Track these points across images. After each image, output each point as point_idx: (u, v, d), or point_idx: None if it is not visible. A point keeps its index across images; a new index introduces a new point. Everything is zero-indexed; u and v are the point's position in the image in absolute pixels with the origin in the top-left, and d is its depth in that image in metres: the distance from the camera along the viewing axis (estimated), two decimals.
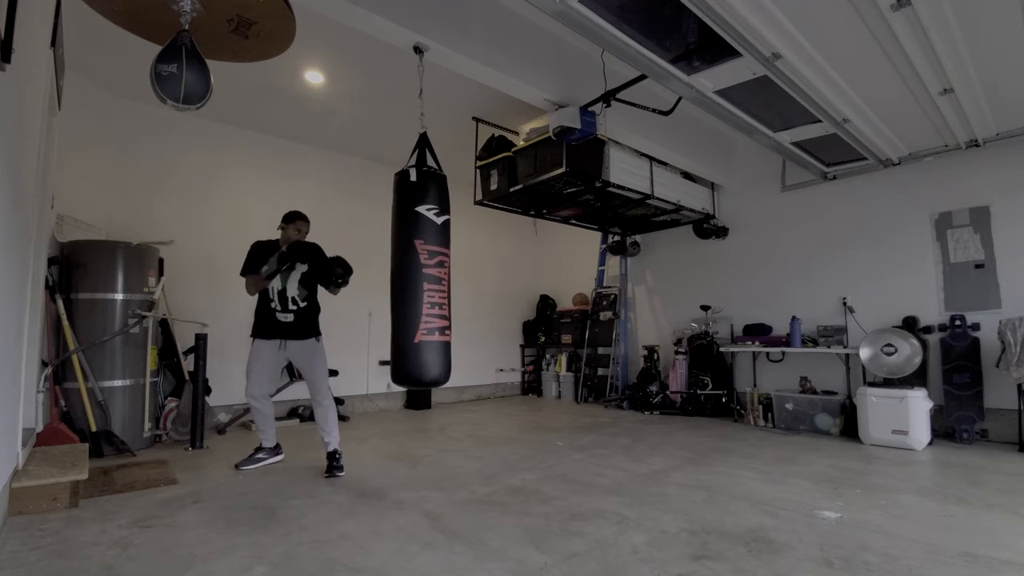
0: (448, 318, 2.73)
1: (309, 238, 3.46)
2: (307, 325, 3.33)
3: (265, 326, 3.28)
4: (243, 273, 3.30)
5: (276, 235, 3.41)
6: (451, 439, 4.26)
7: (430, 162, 2.88)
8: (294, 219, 3.36)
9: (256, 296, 3.33)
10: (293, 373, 4.90)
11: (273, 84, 4.33)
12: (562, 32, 3.72)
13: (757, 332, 5.29)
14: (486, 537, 2.15)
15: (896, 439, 3.82)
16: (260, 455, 3.36)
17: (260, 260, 3.28)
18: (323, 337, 3.39)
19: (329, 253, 3.42)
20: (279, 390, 5.02)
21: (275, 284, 3.28)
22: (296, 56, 3.77)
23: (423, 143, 2.92)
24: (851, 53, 2.90)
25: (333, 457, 3.19)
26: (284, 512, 2.46)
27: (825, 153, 4.54)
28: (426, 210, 2.72)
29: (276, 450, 3.44)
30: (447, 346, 2.71)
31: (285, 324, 3.27)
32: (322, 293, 3.43)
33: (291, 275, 3.32)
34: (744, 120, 3.75)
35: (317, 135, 5.43)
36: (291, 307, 3.28)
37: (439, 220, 2.75)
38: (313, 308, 3.38)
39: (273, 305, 3.28)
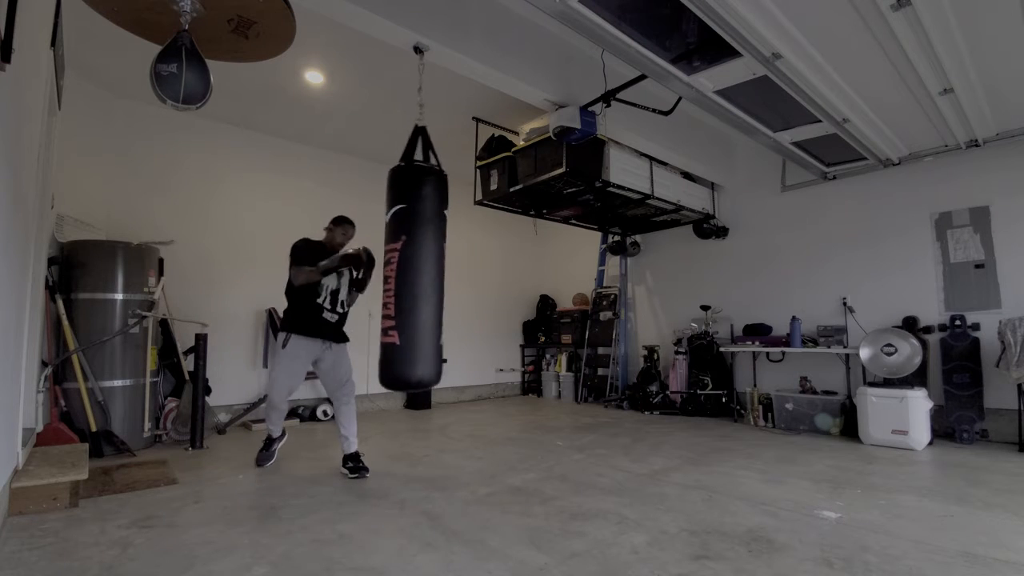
0: (392, 317, 2.63)
1: (308, 231, 3.49)
2: (343, 329, 3.38)
3: (311, 324, 3.21)
4: (297, 262, 3.17)
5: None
6: (451, 439, 4.26)
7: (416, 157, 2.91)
8: (342, 223, 3.39)
9: (298, 291, 3.23)
10: None
11: (273, 84, 4.33)
12: (562, 32, 3.72)
13: (757, 332, 5.29)
14: (486, 537, 2.15)
15: (896, 439, 3.81)
16: (275, 446, 3.42)
17: (313, 255, 3.20)
18: None
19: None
20: None
21: (330, 283, 3.26)
22: (296, 56, 3.77)
23: (424, 137, 2.95)
24: (851, 53, 2.90)
25: (358, 458, 3.18)
26: (284, 512, 2.46)
27: (825, 153, 4.54)
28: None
29: (283, 434, 3.51)
30: (387, 347, 2.63)
31: (330, 324, 3.27)
32: None
33: (343, 279, 3.34)
34: (744, 120, 3.75)
35: (317, 135, 5.43)
36: (339, 309, 3.31)
37: (387, 215, 2.76)
38: (347, 314, 3.42)
39: (320, 301, 3.23)
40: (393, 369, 2.59)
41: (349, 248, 3.35)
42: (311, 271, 3.13)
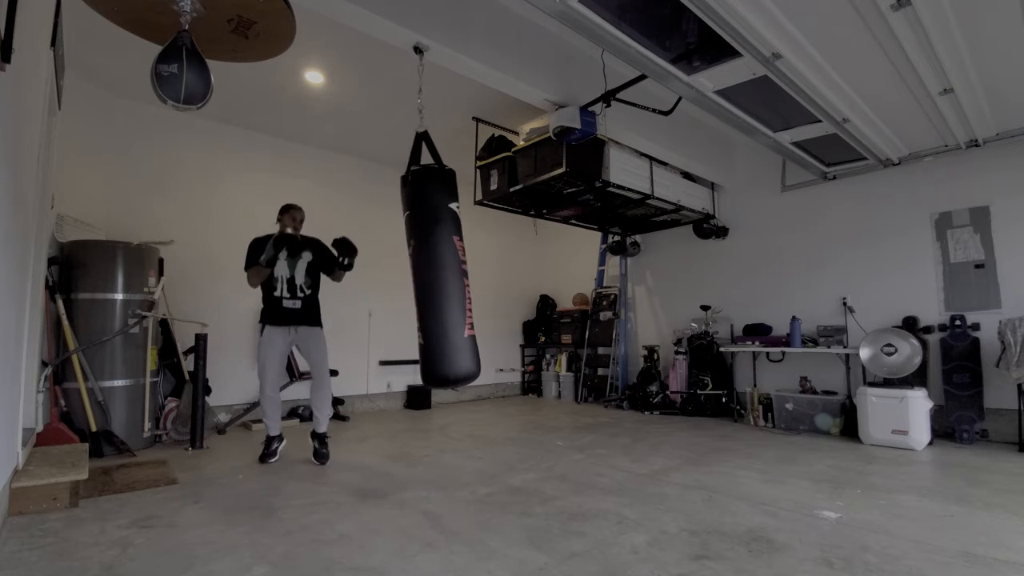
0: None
1: (309, 231, 3.62)
2: (314, 312, 3.53)
3: (274, 314, 3.42)
4: (247, 267, 3.42)
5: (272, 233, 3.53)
6: (451, 439, 4.26)
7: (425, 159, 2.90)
8: (288, 210, 3.53)
9: (260, 289, 3.47)
10: (293, 373, 4.91)
11: (273, 84, 4.33)
12: (562, 32, 3.72)
13: (757, 332, 5.29)
14: (486, 537, 2.15)
15: (896, 439, 3.81)
16: (275, 445, 3.49)
17: (259, 253, 3.38)
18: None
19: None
20: (281, 388, 5.04)
21: (283, 272, 3.43)
22: (296, 56, 3.77)
23: (427, 141, 2.93)
24: (851, 53, 2.90)
25: (324, 440, 3.43)
26: (284, 512, 2.46)
27: (825, 153, 4.54)
28: (456, 207, 2.76)
29: (281, 437, 3.58)
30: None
31: (293, 311, 3.43)
32: (325, 284, 3.61)
33: (298, 263, 3.48)
34: (744, 120, 3.74)
35: (317, 135, 5.43)
36: (299, 294, 3.46)
37: (460, 217, 2.79)
38: (317, 297, 3.57)
39: (277, 293, 3.42)
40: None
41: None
42: (256, 269, 3.35)
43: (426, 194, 2.74)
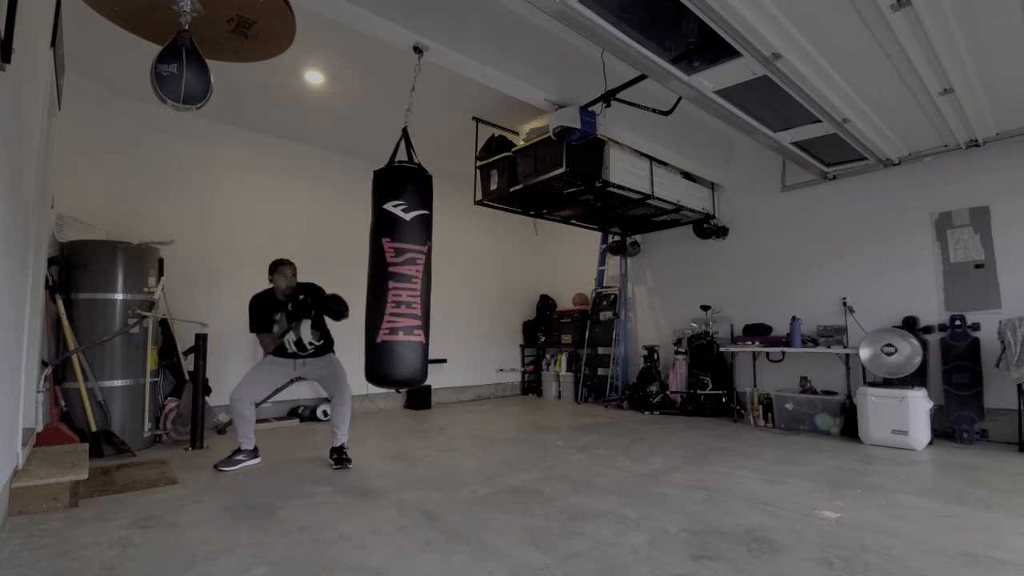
0: (419, 317, 2.69)
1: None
2: (324, 350, 3.57)
3: (283, 352, 3.48)
4: (253, 330, 3.46)
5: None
6: (451, 439, 4.26)
7: (402, 157, 2.91)
8: (277, 266, 3.45)
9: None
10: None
11: (273, 84, 4.33)
12: (562, 32, 3.71)
13: (757, 332, 5.29)
14: (486, 537, 2.15)
15: (896, 439, 3.81)
16: (239, 457, 3.32)
17: (263, 312, 3.41)
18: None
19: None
20: (276, 391, 5.03)
21: (290, 337, 3.46)
22: (296, 56, 3.77)
23: (405, 137, 2.96)
24: (851, 53, 2.90)
25: (342, 451, 3.39)
26: (284, 512, 2.46)
27: (825, 153, 4.54)
28: (392, 207, 2.71)
29: (254, 453, 3.41)
30: (418, 346, 2.68)
31: (303, 356, 3.51)
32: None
33: (303, 326, 3.48)
34: (744, 120, 3.74)
35: (317, 135, 5.43)
36: (309, 348, 3.50)
37: (408, 216, 2.72)
38: (328, 339, 3.59)
39: (289, 350, 3.47)
40: (422, 365, 2.74)
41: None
42: (272, 338, 3.41)
43: (373, 197, 2.80)
